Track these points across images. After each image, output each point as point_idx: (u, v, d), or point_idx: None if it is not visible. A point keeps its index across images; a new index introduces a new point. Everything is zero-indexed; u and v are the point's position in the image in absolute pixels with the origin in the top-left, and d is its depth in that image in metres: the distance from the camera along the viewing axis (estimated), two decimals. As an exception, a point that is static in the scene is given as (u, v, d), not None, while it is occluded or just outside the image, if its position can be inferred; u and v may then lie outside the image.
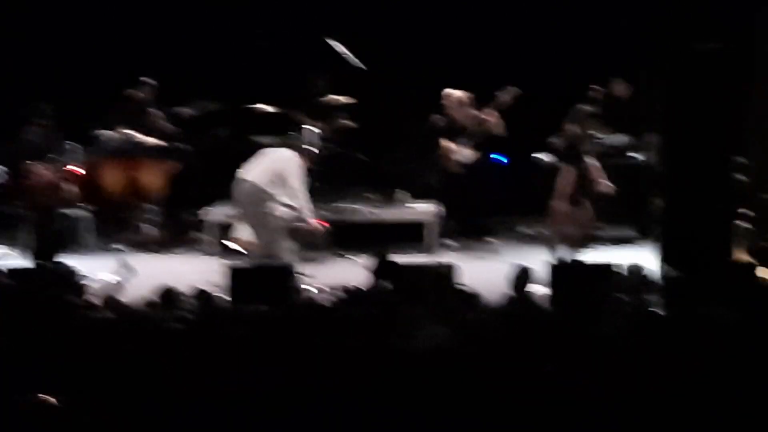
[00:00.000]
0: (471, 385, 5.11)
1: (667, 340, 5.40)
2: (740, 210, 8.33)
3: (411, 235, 10.04)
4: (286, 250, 9.25)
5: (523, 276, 6.60)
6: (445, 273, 7.44)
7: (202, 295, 7.23)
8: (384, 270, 7.17)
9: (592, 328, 5.74)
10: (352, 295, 7.06)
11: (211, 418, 5.04)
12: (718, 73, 7.90)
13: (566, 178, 8.65)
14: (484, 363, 5.27)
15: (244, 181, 9.20)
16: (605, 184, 8.77)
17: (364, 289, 7.11)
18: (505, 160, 10.62)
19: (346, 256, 9.71)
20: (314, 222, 9.20)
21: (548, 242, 8.98)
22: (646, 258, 8.33)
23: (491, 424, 4.99)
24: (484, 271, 8.97)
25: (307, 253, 9.66)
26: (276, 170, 9.19)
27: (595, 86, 10.16)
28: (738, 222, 8.27)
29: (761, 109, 7.84)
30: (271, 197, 9.15)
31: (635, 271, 6.22)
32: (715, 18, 8.89)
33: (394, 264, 7.40)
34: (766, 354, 5.16)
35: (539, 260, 7.87)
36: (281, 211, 9.17)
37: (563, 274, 7.57)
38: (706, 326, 5.57)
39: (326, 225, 9.65)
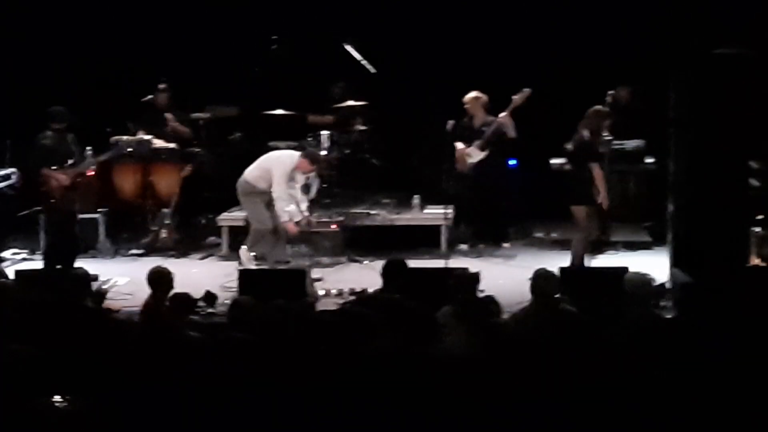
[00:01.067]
0: (490, 389, 5.10)
1: (679, 344, 5.39)
2: (754, 215, 8.29)
3: (427, 239, 10.03)
4: (282, 251, 9.30)
5: (550, 280, 6.45)
6: (467, 278, 7.42)
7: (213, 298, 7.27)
8: (400, 275, 7.14)
9: (603, 332, 5.73)
10: (364, 299, 7.05)
11: (217, 418, 5.07)
12: (735, 78, 7.86)
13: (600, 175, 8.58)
14: (505, 368, 5.27)
15: (242, 176, 9.45)
16: (604, 198, 8.66)
17: (378, 293, 7.10)
18: (515, 163, 10.59)
19: (361, 259, 9.71)
20: (288, 224, 9.22)
21: (576, 246, 8.85)
22: (661, 263, 8.31)
23: (508, 427, 4.99)
24: (500, 276, 9.00)
25: (321, 258, 9.67)
26: (266, 168, 9.37)
27: (611, 91, 10.14)
28: (752, 227, 8.24)
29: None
30: (257, 191, 9.31)
31: (646, 276, 6.17)
32: (736, 24, 8.88)
33: (412, 269, 7.37)
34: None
35: (555, 265, 7.86)
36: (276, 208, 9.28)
37: (574, 278, 7.55)
38: (721, 330, 5.53)
39: (336, 228, 9.65)
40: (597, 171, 8.59)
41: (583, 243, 8.66)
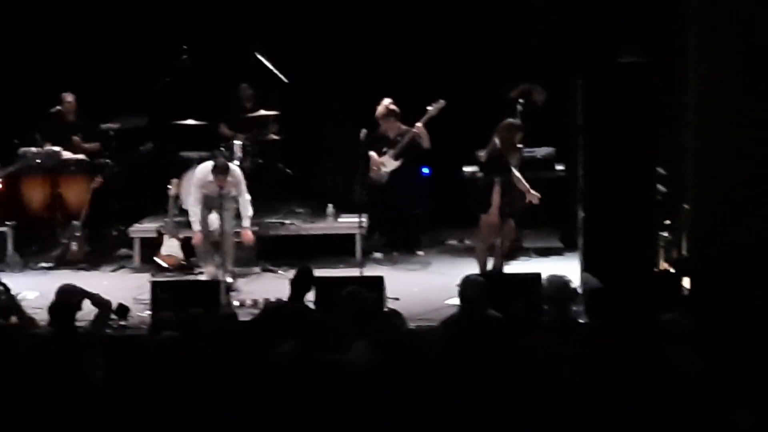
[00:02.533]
0: (399, 397, 5.13)
1: (590, 348, 5.48)
2: (662, 220, 8.48)
3: (342, 248, 10.03)
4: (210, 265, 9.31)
5: (478, 286, 6.45)
6: (373, 286, 7.46)
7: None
8: (308, 284, 7.14)
9: (518, 337, 5.79)
10: (276, 308, 7.03)
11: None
12: (640, 86, 8.04)
13: (498, 190, 8.73)
14: (413, 375, 5.30)
15: None
16: (533, 195, 8.84)
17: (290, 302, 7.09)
18: (428, 171, 10.68)
19: (275, 269, 9.67)
20: (196, 234, 9.28)
21: (477, 254, 9.03)
22: (572, 268, 8.44)
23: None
24: (415, 284, 9.05)
25: (235, 268, 9.61)
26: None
27: (521, 100, 10.26)
28: (660, 232, 8.42)
29: (682, 120, 7.98)
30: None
31: (559, 281, 6.26)
32: (642, 32, 9.07)
33: (319, 278, 7.37)
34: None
35: (467, 272, 7.92)
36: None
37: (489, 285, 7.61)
38: (629, 334, 5.64)
39: (251, 238, 9.59)
40: (516, 178, 8.76)
41: (485, 251, 8.80)
